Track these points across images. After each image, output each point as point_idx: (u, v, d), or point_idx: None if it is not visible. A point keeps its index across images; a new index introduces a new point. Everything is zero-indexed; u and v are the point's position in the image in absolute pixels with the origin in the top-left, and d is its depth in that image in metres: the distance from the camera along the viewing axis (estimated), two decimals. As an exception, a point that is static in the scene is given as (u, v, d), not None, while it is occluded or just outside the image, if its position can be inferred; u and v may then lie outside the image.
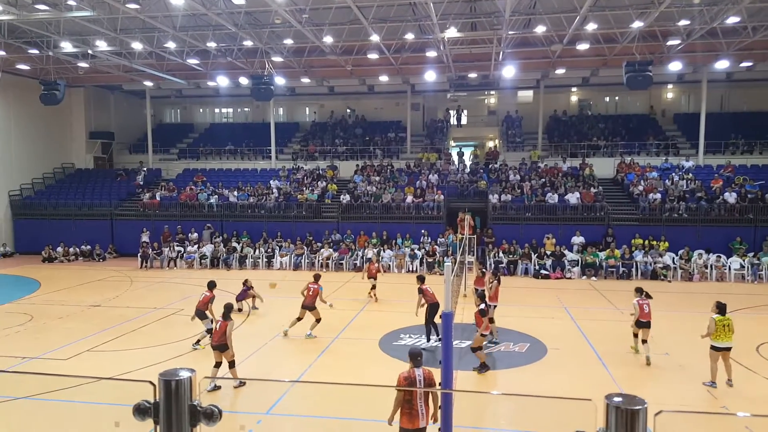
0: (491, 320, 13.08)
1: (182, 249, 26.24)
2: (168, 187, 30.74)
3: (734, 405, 9.77)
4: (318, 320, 13.95)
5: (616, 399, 1.94)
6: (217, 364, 10.46)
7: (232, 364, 10.51)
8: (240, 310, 16.41)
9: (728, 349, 10.32)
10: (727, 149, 30.41)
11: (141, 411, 2.05)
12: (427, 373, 7.21)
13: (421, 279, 14.19)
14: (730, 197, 24.96)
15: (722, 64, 25.70)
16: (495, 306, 14.14)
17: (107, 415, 8.20)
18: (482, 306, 11.56)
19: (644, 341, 12.07)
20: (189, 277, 23.10)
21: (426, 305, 13.42)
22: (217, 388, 10.54)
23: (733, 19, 20.16)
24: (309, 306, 13.91)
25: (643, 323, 12.14)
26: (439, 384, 7.64)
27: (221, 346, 10.37)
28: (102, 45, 23.93)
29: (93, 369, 11.65)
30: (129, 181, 32.54)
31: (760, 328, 14.93)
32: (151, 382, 2.08)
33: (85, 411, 9.13)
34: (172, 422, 2.02)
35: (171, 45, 23.83)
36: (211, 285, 13.44)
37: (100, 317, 16.10)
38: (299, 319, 14.02)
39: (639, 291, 12.60)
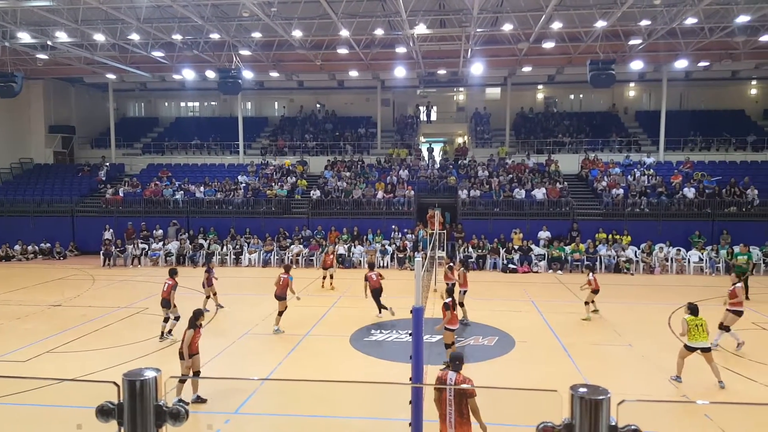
0: (461, 304, 14.87)
1: (147, 246, 25.73)
2: (132, 182, 30.08)
3: (694, 393, 10.09)
4: (280, 313, 14.01)
5: (581, 390, 1.97)
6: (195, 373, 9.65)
7: (196, 374, 9.63)
8: (214, 294, 16.40)
9: (705, 349, 10.21)
10: (686, 146, 31.28)
11: (104, 412, 2.00)
12: (461, 380, 6.81)
13: (370, 266, 16.49)
14: (689, 192, 25.72)
15: (681, 64, 26.43)
16: (465, 291, 15.47)
17: (69, 418, 8.01)
18: (448, 300, 11.65)
19: (588, 302, 15.29)
20: (154, 275, 22.66)
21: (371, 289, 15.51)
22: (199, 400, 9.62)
23: (691, 20, 20.72)
24: (279, 296, 14.03)
25: (596, 291, 15.37)
26: (410, 378, 7.67)
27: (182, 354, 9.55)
28: (62, 36, 23.16)
29: (54, 371, 11.35)
30: (91, 176, 31.73)
31: (718, 319, 15.38)
32: (114, 383, 2.04)
33: (46, 414, 8.90)
34: (137, 423, 1.98)
35: (135, 37, 23.26)
36: (173, 272, 13.64)
37: (61, 317, 15.68)
38: (280, 313, 14.10)
39: (590, 269, 16.09)
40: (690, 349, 10.35)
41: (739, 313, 12.41)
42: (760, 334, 13.87)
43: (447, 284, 15.15)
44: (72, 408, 5.13)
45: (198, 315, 9.71)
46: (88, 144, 36.04)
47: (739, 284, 12.72)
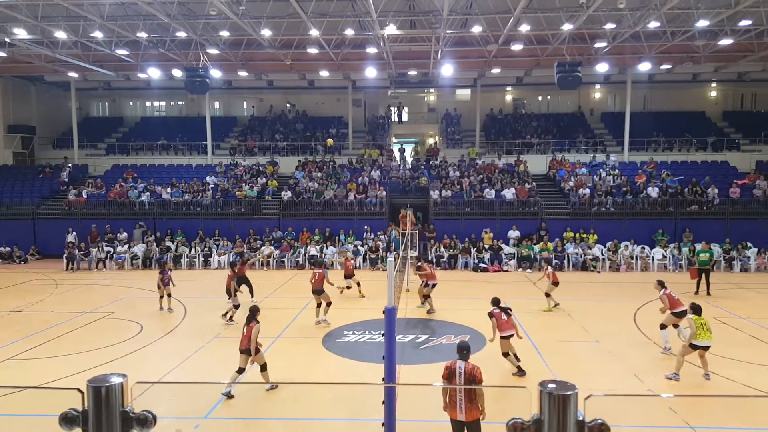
0: (427, 296, 16.09)
1: (112, 249, 25.17)
2: (95, 184, 29.38)
3: (658, 387, 10.33)
4: (329, 303, 14.80)
5: (550, 386, 2.00)
6: (240, 370, 9.97)
7: (263, 368, 10.19)
8: (168, 295, 16.40)
9: (708, 347, 10.48)
10: (649, 146, 32.05)
11: (68, 420, 1.95)
12: (470, 368, 7.17)
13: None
14: (653, 192, 26.36)
15: (645, 66, 27.07)
16: (435, 284, 16.23)
17: (32, 427, 7.79)
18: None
19: (549, 294, 16.11)
20: (119, 279, 22.23)
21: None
22: (230, 396, 9.86)
23: (654, 24, 21.23)
24: (317, 290, 14.70)
25: (556, 284, 15.98)
26: (383, 378, 7.67)
27: (247, 351, 9.98)
28: (21, 33, 22.47)
29: (16, 378, 11.01)
30: (53, 177, 30.91)
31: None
32: (78, 390, 1.99)
33: (7, 423, 8.63)
34: (102, 430, 1.93)
35: (98, 35, 22.74)
36: (232, 265, 16.26)
37: (23, 323, 15.21)
38: (319, 305, 14.81)
39: (548, 262, 17.33)
40: (694, 348, 10.46)
41: (681, 314, 12.46)
42: (720, 329, 14.25)
43: (427, 283, 16.09)
44: (35, 417, 4.99)
45: (256, 310, 10.46)
46: (49, 144, 35.10)
47: (665, 291, 12.69)
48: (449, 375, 7.20)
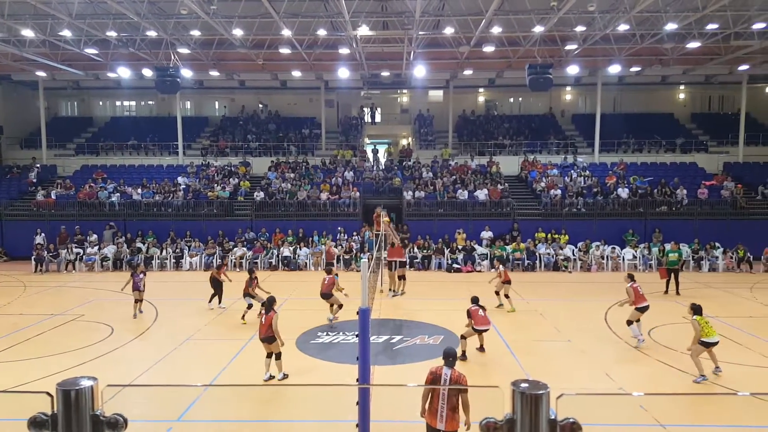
0: (402, 277, 17.89)
1: (81, 251, 24.65)
2: (64, 184, 28.75)
3: (629, 386, 10.53)
4: (340, 306, 15.00)
5: (522, 385, 2.03)
6: (269, 355, 10.85)
7: (278, 356, 10.85)
8: (140, 300, 16.08)
9: (716, 342, 10.61)
10: (619, 148, 32.64)
11: (37, 424, 1.92)
12: (456, 375, 6.92)
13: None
14: (623, 192, 26.87)
15: (615, 68, 27.55)
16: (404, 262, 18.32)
17: (-2, 432, 7.60)
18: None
19: (507, 295, 16.37)
20: (89, 281, 21.79)
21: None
22: (271, 377, 10.92)
23: (623, 27, 21.63)
24: (325, 294, 14.92)
25: (508, 282, 16.35)
26: (357, 379, 7.67)
27: (268, 338, 10.70)
28: (-14, 31, 21.97)
29: (-19, 383, 10.72)
30: (20, 178, 30.15)
31: (652, 313, 16.11)
32: (47, 393, 1.95)
33: (-29, 429, 8.39)
34: (73, 434, 1.90)
35: (67, 33, 22.23)
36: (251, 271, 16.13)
37: (-12, 326, 14.83)
38: (332, 306, 15.06)
39: (501, 261, 17.45)
40: (706, 345, 10.56)
41: (644, 309, 12.92)
42: (690, 328, 14.55)
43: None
44: (2, 421, 4.87)
45: (273, 300, 11.22)
46: (16, 144, 34.21)
47: (633, 284, 13.20)
48: (433, 381, 6.89)
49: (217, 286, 16.58)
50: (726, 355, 12.22)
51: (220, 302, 16.69)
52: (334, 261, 18.22)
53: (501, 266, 16.78)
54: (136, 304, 15.86)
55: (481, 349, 12.43)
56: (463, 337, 12.08)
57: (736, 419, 8.95)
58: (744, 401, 9.43)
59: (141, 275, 16.00)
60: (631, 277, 13.47)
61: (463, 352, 11.86)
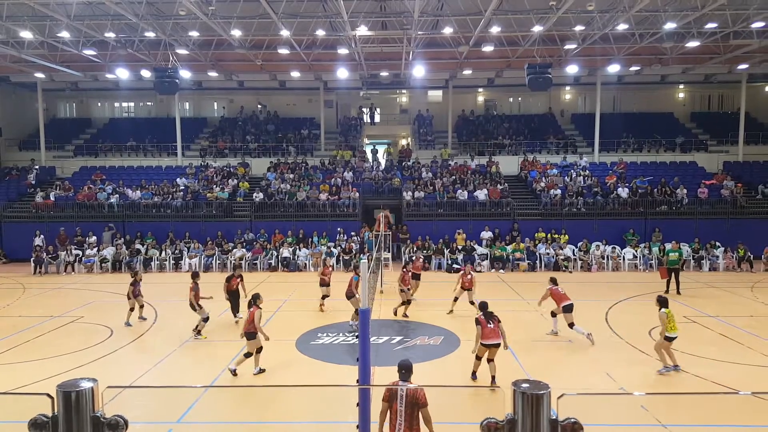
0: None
1: (80, 252, 24.63)
2: (63, 186, 28.74)
3: (630, 385, 10.52)
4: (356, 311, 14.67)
5: (523, 385, 2.03)
6: (258, 350, 11.09)
7: (258, 350, 11.06)
8: (141, 306, 15.49)
9: (675, 338, 11.02)
10: (619, 147, 32.64)
11: (37, 426, 1.91)
12: (413, 391, 6.29)
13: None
14: (623, 192, 26.87)
15: (614, 68, 27.55)
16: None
17: (-2, 434, 7.58)
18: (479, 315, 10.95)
19: (472, 302, 15.56)
20: (89, 282, 21.76)
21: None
22: (261, 371, 11.21)
23: (623, 26, 21.63)
24: (349, 295, 14.73)
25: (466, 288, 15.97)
26: (357, 380, 7.66)
27: (249, 333, 10.91)
28: (-16, 32, 21.94)
29: (-19, 385, 10.70)
30: (19, 180, 30.12)
31: (652, 313, 16.09)
32: (48, 395, 1.94)
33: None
34: (73, 436, 1.89)
35: (65, 34, 22.21)
36: (194, 276, 14.29)
37: (-12, 328, 14.80)
38: (356, 310, 14.56)
39: (466, 262, 16.56)
40: (671, 340, 10.90)
41: (569, 308, 13.08)
42: (691, 327, 14.60)
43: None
44: (3, 423, 4.86)
45: (258, 297, 11.36)
46: (15, 146, 34.18)
47: (552, 287, 13.46)
48: (390, 398, 6.31)
49: (233, 296, 15.41)
50: (727, 354, 12.24)
51: (237, 312, 15.46)
52: (329, 279, 16.67)
53: (467, 267, 16.81)
54: (131, 311, 15.25)
55: (492, 381, 10.45)
56: (478, 357, 10.74)
57: (738, 419, 8.94)
58: (745, 401, 9.43)
59: (139, 283, 15.43)
60: (553, 281, 13.70)
61: (473, 372, 10.81)
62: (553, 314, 13.61)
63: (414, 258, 20.11)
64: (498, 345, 10.47)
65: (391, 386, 6.64)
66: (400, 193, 28.09)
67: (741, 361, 11.73)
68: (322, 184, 28.38)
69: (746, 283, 20.46)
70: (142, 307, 15.65)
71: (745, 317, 15.49)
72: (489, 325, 10.46)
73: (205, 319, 13.82)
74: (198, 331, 13.80)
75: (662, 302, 11.16)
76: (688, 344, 12.87)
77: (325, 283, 16.58)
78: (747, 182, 28.46)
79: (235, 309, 15.33)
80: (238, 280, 15.44)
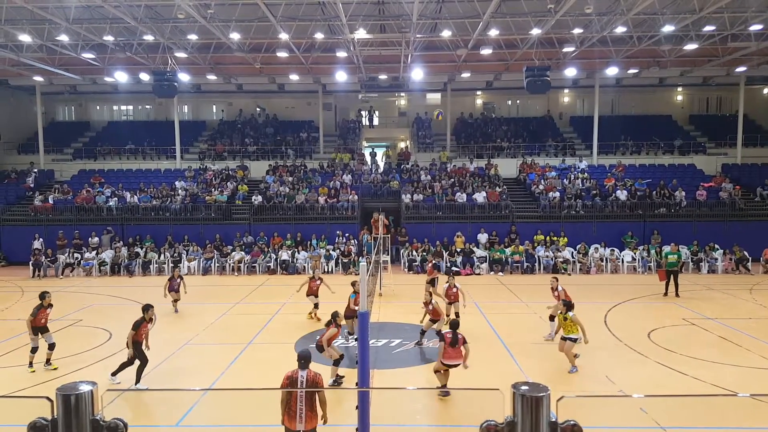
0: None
1: (79, 256, 24.60)
2: (62, 189, 28.71)
3: (630, 388, 10.51)
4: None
5: (522, 387, 2.03)
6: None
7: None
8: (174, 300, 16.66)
9: (575, 339, 11.37)
10: (617, 150, 32.70)
11: (37, 429, 1.91)
12: (312, 375, 7.18)
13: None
14: (622, 195, 26.88)
15: (612, 71, 27.63)
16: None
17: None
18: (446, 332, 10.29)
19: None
20: (87, 285, 21.73)
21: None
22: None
23: (621, 29, 21.68)
24: (348, 316, 14.04)
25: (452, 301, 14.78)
26: (356, 383, 7.66)
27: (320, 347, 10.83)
28: (-17, 36, 21.95)
29: (-21, 388, 10.67)
30: (18, 183, 30.10)
31: (651, 315, 16.16)
32: (47, 398, 1.94)
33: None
34: (72, 439, 1.89)
35: (64, 38, 22.22)
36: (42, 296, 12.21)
37: (-14, 332, 14.77)
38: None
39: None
40: (574, 341, 11.30)
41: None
42: (690, 330, 14.61)
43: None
44: (2, 427, 4.84)
45: (336, 315, 11.09)
46: (14, 149, 34.17)
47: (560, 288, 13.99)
48: (290, 384, 7.15)
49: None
50: (726, 356, 12.24)
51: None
52: (315, 295, 15.67)
53: (430, 262, 17.05)
54: (174, 303, 16.70)
55: (445, 392, 10.13)
56: (436, 371, 10.32)
57: (737, 421, 8.93)
58: (744, 403, 9.42)
59: (178, 279, 16.73)
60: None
61: (443, 386, 10.18)
62: (552, 318, 13.51)
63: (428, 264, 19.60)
64: (457, 365, 10.10)
65: (290, 374, 7.29)
66: (398, 195, 28.10)
67: (740, 364, 11.73)
68: (321, 187, 28.38)
69: (745, 285, 20.47)
70: (176, 301, 16.72)
71: (744, 319, 15.49)
72: (453, 346, 9.95)
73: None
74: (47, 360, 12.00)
75: (569, 307, 11.62)
76: (687, 347, 12.88)
77: (312, 293, 15.74)
78: (745, 185, 28.50)
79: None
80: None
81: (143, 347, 10.66)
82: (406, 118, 37.41)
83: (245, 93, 35.09)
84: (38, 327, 11.78)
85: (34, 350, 11.64)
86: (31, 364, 11.62)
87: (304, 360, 7.27)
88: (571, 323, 11.33)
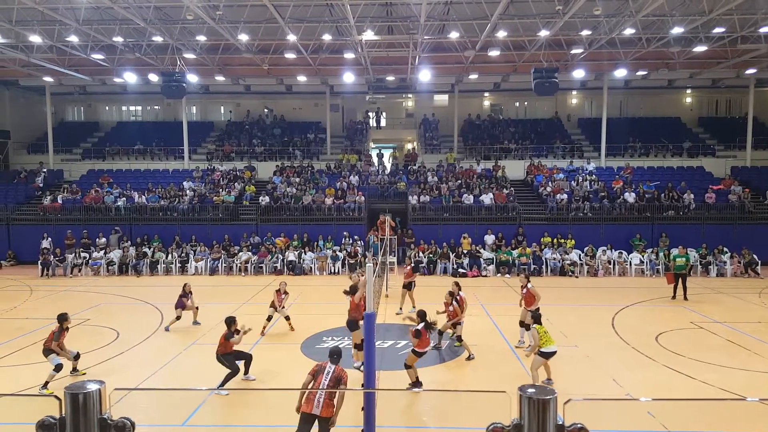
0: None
1: (87, 255, 24.75)
2: (71, 189, 28.90)
3: (637, 391, 10.45)
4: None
5: (529, 390, 2.02)
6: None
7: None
8: (178, 318, 15.14)
9: (554, 352, 10.44)
10: (626, 152, 32.55)
11: (45, 427, 1.92)
12: (339, 371, 7.67)
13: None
14: (630, 197, 26.74)
15: (621, 72, 27.52)
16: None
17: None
18: (420, 326, 10.50)
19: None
20: (95, 285, 21.85)
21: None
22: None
23: (629, 31, 21.61)
24: (351, 324, 13.79)
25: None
26: (362, 384, 7.67)
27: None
28: (-6, 37, 22.14)
29: (-12, 387, 10.75)
30: (27, 183, 30.32)
31: (659, 318, 16.08)
32: (56, 397, 1.96)
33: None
34: (80, 438, 1.91)
35: (74, 39, 22.38)
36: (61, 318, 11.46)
37: (-5, 330, 14.88)
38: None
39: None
40: (545, 355, 10.35)
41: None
42: (697, 333, 14.52)
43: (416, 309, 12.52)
44: (11, 425, 4.88)
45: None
46: (24, 149, 34.47)
47: (529, 286, 13.15)
48: (317, 372, 7.69)
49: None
50: (734, 360, 12.16)
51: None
52: (280, 304, 14.55)
53: (409, 268, 16.66)
54: (196, 311, 15.64)
55: (416, 384, 10.39)
56: (407, 367, 10.48)
57: (745, 426, 8.87)
58: (752, 407, 9.36)
59: (189, 294, 15.41)
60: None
61: (417, 380, 10.45)
62: (525, 325, 12.75)
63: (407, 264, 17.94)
64: (426, 353, 10.59)
65: (320, 364, 7.85)
66: (405, 197, 28.09)
67: (748, 368, 11.65)
68: (328, 188, 28.41)
69: (754, 288, 20.32)
70: (196, 308, 15.66)
71: (753, 323, 15.38)
72: (428, 336, 10.68)
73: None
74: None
75: (536, 319, 10.82)
76: (695, 350, 12.81)
77: (273, 306, 14.62)
78: (755, 187, 28.28)
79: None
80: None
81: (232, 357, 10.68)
82: (413, 120, 37.42)
83: (253, 94, 35.22)
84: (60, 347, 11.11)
85: (58, 368, 10.63)
86: (46, 385, 10.47)
87: (336, 356, 7.83)
88: (545, 334, 10.42)
